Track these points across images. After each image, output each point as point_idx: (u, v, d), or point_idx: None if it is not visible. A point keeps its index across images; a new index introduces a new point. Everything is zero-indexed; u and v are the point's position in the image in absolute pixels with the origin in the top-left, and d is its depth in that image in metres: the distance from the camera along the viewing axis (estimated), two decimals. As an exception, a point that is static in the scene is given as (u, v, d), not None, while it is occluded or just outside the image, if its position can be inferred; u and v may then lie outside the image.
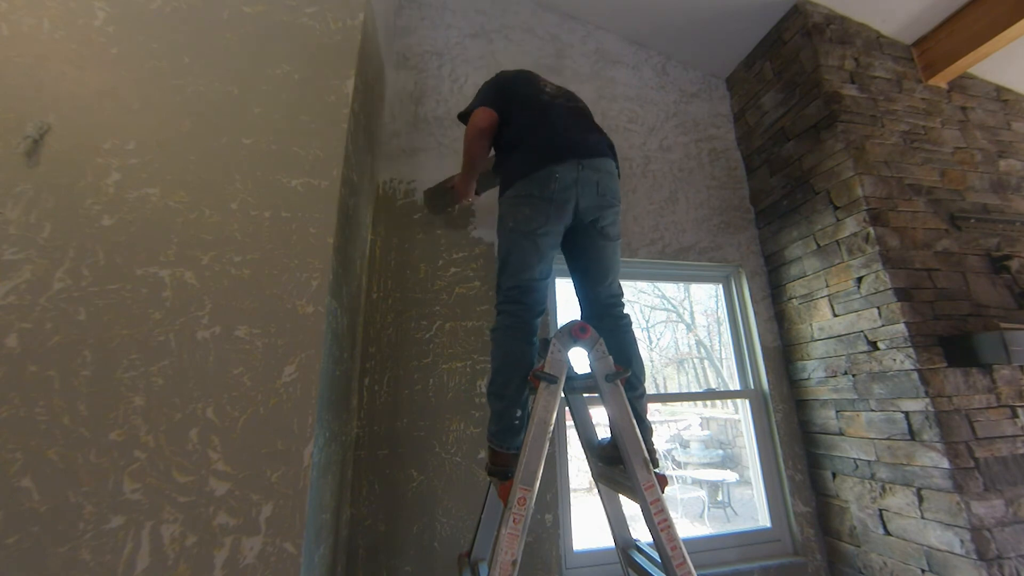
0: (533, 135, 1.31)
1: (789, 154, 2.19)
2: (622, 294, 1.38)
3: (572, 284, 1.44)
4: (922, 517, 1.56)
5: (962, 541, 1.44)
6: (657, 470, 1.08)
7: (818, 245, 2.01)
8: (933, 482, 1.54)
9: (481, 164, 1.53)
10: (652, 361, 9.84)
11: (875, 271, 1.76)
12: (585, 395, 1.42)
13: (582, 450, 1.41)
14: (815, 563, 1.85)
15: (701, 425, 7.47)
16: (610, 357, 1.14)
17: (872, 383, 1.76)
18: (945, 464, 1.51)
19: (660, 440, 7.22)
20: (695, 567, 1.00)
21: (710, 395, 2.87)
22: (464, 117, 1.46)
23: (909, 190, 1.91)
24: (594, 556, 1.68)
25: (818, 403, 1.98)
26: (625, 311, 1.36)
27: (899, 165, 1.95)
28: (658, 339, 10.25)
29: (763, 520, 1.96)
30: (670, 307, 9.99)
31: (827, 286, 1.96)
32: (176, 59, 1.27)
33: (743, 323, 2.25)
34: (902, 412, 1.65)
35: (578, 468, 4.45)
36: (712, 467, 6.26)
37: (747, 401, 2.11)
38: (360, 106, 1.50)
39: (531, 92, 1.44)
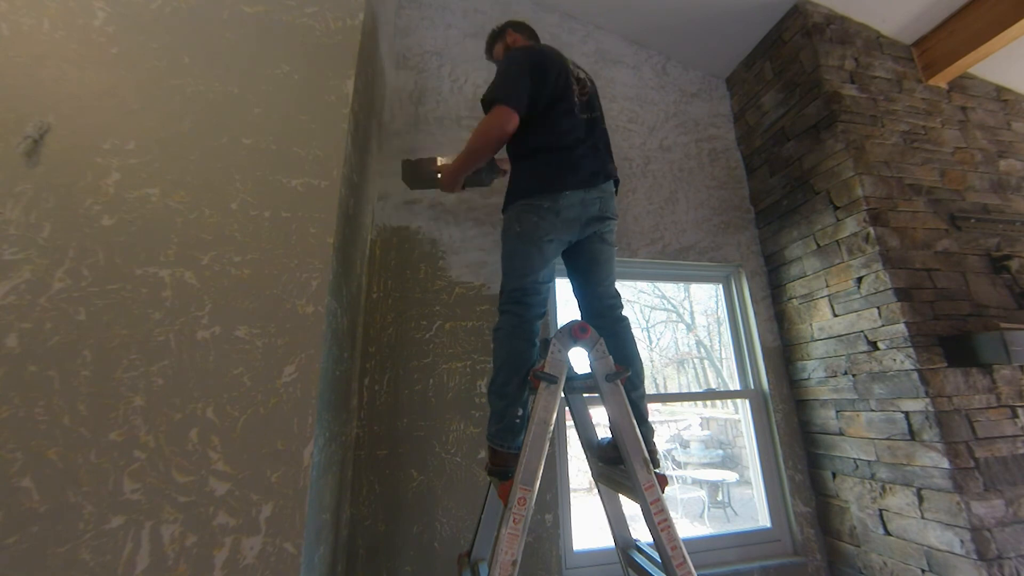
0: (553, 151, 1.31)
1: (789, 154, 2.19)
2: (620, 296, 1.40)
3: (571, 288, 1.45)
4: (922, 517, 1.56)
5: (962, 541, 1.44)
6: (657, 470, 1.08)
7: (818, 245, 2.01)
8: (933, 482, 1.54)
9: (479, 166, 1.41)
10: (652, 361, 9.84)
11: (875, 271, 1.76)
12: (585, 395, 1.42)
13: (582, 450, 1.41)
14: (815, 563, 1.85)
15: (701, 425, 7.47)
16: (610, 357, 1.14)
17: (872, 383, 1.76)
18: (945, 464, 1.51)
19: (660, 440, 7.22)
20: (695, 567, 1.00)
21: (710, 395, 2.86)
22: (487, 104, 1.29)
23: (909, 190, 1.91)
24: (594, 556, 1.68)
25: (818, 403, 1.98)
26: (624, 312, 1.37)
27: (899, 165, 1.95)
28: (658, 339, 10.26)
29: (763, 520, 1.96)
30: (670, 307, 9.99)
31: (827, 286, 1.96)
32: (176, 59, 1.27)
33: (743, 323, 2.25)
34: (902, 412, 1.65)
35: (578, 468, 4.45)
36: (712, 467, 6.26)
37: (747, 401, 2.11)
38: (360, 106, 1.49)
39: (567, 103, 1.35)
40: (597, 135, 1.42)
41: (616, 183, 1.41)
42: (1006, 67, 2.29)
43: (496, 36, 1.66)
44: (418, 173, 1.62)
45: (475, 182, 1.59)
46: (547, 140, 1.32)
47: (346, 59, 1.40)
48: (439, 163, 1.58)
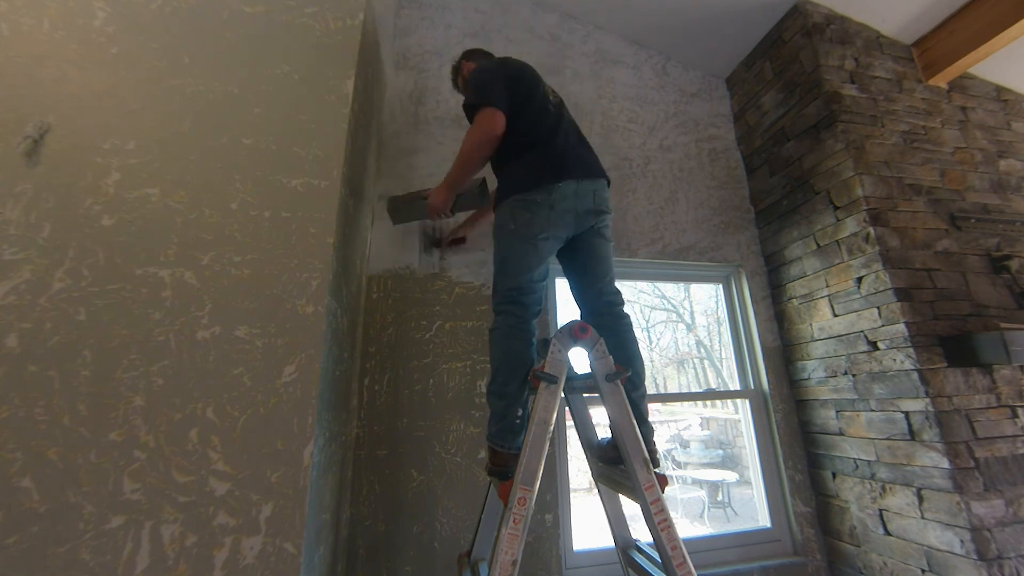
0: (540, 148, 1.33)
1: (789, 154, 2.19)
2: (620, 293, 1.39)
3: (569, 288, 1.44)
4: (922, 517, 1.56)
5: (962, 541, 1.44)
6: (657, 470, 1.08)
7: (818, 245, 2.01)
8: (933, 482, 1.54)
9: (474, 174, 1.42)
10: (652, 361, 9.83)
11: (875, 271, 1.76)
12: (585, 395, 1.42)
13: (582, 450, 1.41)
14: (815, 563, 1.85)
15: (701, 425, 7.47)
16: (610, 357, 1.14)
17: (872, 383, 1.76)
18: (945, 464, 1.51)
19: (660, 440, 7.22)
20: (695, 567, 1.00)
21: (710, 395, 2.87)
22: (470, 109, 1.33)
23: (909, 190, 1.91)
24: (594, 556, 1.68)
25: (818, 403, 1.98)
26: (625, 310, 1.36)
27: (899, 165, 1.95)
28: (658, 339, 10.25)
29: (763, 520, 1.96)
30: (670, 307, 9.99)
31: (827, 286, 1.96)
32: (176, 59, 1.27)
33: (743, 323, 2.25)
34: (902, 412, 1.65)
35: (578, 468, 4.45)
36: (712, 467, 6.26)
37: (747, 401, 2.11)
38: (360, 106, 1.49)
39: (540, 100, 1.39)
40: (575, 132, 1.45)
41: (607, 182, 1.40)
42: (1006, 67, 2.29)
43: (456, 71, 1.74)
44: (402, 202, 1.64)
45: (466, 203, 1.58)
46: (531, 136, 1.33)
47: (346, 59, 1.40)
48: (428, 190, 1.58)
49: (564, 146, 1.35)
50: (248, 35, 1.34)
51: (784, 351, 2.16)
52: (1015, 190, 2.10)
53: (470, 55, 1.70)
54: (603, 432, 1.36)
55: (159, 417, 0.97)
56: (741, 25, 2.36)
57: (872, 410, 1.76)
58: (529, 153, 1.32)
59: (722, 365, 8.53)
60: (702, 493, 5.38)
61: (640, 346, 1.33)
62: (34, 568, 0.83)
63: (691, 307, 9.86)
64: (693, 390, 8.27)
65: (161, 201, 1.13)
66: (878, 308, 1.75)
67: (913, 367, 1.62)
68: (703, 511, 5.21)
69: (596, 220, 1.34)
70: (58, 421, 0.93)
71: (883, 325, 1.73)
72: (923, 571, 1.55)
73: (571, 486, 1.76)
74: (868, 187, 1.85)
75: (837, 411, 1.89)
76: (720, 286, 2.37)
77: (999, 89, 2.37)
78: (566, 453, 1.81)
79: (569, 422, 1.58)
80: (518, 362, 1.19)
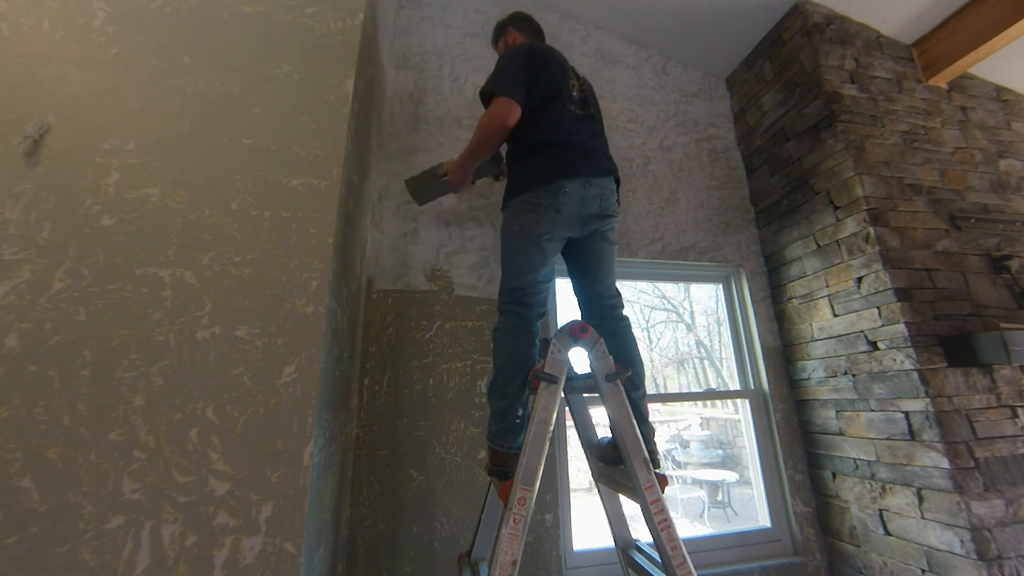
0: (551, 146, 1.31)
1: (789, 154, 2.19)
2: (620, 296, 1.40)
3: (572, 287, 1.45)
4: (922, 517, 1.56)
5: (962, 541, 1.44)
6: (657, 470, 1.08)
7: (818, 245, 2.01)
8: (933, 482, 1.54)
9: (485, 157, 1.43)
10: (652, 361, 9.84)
11: (875, 271, 1.76)
12: (585, 395, 1.42)
13: (582, 450, 1.41)
14: (815, 563, 1.85)
15: (701, 425, 7.47)
16: (610, 357, 1.14)
17: (872, 383, 1.76)
18: (945, 464, 1.51)
19: (660, 440, 7.21)
20: (695, 567, 1.00)
21: (710, 395, 2.86)
22: (486, 96, 1.33)
23: (909, 190, 1.91)
24: (594, 556, 1.68)
25: (818, 403, 1.98)
26: (624, 312, 1.37)
27: (899, 165, 1.95)
28: (658, 339, 10.26)
29: (763, 520, 1.96)
30: (670, 307, 9.99)
31: (827, 286, 1.96)
32: (176, 59, 1.27)
33: (743, 323, 2.25)
34: (902, 412, 1.65)
35: (578, 468, 4.45)
36: (712, 467, 6.26)
37: (747, 401, 2.11)
38: (360, 106, 1.49)
39: (561, 97, 1.36)
40: (594, 132, 1.42)
41: (617, 182, 1.40)
42: (1006, 67, 2.29)
43: (499, 31, 1.69)
44: (424, 184, 1.64)
45: (482, 173, 1.60)
46: (544, 136, 1.32)
47: (346, 59, 1.39)
48: (443, 166, 1.58)
49: (577, 145, 1.33)
50: (248, 35, 1.34)
51: (784, 351, 2.16)
52: (1015, 190, 2.10)
53: (520, 25, 1.64)
54: (603, 432, 1.36)
55: (159, 417, 0.97)
56: (741, 25, 2.36)
57: (872, 410, 1.76)
58: (540, 154, 1.31)
59: (722, 365, 8.53)
60: (702, 493, 5.38)
61: (640, 347, 1.34)
62: (34, 568, 0.83)
63: (691, 307, 9.87)
64: (693, 390, 8.27)
65: (161, 201, 1.13)
66: (878, 308, 1.75)
67: (913, 367, 1.62)
68: (703, 511, 5.21)
69: (602, 224, 1.34)
70: (58, 421, 0.93)
71: (883, 325, 1.73)
72: (923, 571, 1.55)
73: (571, 486, 1.76)
74: (868, 187, 1.85)
75: (837, 411, 1.89)
76: (720, 286, 2.37)
77: (999, 89, 2.37)
78: (566, 453, 1.81)
79: (569, 422, 1.58)
80: (522, 362, 1.19)
